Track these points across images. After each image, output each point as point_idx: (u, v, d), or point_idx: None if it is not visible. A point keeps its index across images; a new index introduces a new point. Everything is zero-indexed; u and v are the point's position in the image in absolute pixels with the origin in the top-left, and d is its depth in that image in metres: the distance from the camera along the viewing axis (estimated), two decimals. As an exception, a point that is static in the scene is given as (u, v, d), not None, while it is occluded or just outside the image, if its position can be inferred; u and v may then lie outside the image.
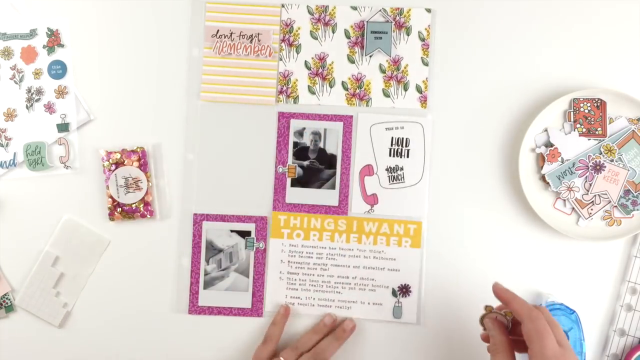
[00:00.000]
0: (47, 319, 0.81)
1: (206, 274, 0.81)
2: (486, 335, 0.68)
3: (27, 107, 0.81)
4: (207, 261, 0.81)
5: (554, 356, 0.60)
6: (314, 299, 0.82)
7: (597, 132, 0.80)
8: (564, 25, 0.82)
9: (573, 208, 0.80)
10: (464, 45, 0.82)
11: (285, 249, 0.82)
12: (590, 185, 0.80)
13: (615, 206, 0.80)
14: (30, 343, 0.81)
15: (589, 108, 0.80)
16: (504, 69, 0.82)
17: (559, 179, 0.80)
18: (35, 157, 0.80)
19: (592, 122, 0.80)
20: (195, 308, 0.81)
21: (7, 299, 0.81)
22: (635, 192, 0.80)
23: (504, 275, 0.81)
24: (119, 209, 0.80)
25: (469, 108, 0.82)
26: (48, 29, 0.81)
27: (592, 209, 0.80)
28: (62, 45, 0.81)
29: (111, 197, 0.80)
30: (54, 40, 0.81)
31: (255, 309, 0.81)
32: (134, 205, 0.80)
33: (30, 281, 0.80)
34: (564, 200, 0.80)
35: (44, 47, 0.81)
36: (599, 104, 0.80)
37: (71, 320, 0.81)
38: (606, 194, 0.79)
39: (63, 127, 0.81)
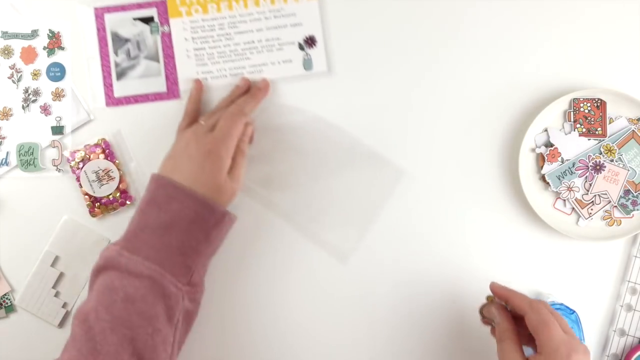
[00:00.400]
0: (47, 319, 0.81)
1: (117, 65, 0.81)
2: (486, 322, 0.70)
3: (23, 107, 0.81)
4: (116, 53, 0.81)
5: (562, 342, 0.61)
6: (225, 69, 0.82)
7: (597, 132, 0.80)
8: (564, 24, 0.82)
9: (573, 208, 0.80)
10: (463, 45, 0.82)
11: (186, 26, 0.81)
12: (590, 185, 0.79)
13: (615, 206, 0.79)
14: (30, 343, 0.81)
15: (589, 108, 0.80)
16: (503, 68, 0.82)
17: (559, 179, 0.80)
18: (28, 158, 0.80)
19: (592, 122, 0.80)
20: (112, 100, 0.81)
21: (7, 299, 0.81)
22: (635, 192, 0.79)
23: (503, 275, 0.80)
24: (97, 204, 0.80)
25: (469, 108, 0.82)
26: (50, 30, 0.81)
27: (592, 209, 0.80)
28: (63, 48, 0.81)
29: (87, 194, 0.80)
30: (54, 42, 0.81)
31: (171, 92, 0.81)
32: (110, 197, 0.80)
33: (30, 281, 0.80)
34: (564, 200, 0.80)
35: (44, 48, 0.81)
36: (599, 104, 0.79)
37: (71, 321, 0.81)
38: (606, 194, 0.79)
39: (57, 130, 0.81)
